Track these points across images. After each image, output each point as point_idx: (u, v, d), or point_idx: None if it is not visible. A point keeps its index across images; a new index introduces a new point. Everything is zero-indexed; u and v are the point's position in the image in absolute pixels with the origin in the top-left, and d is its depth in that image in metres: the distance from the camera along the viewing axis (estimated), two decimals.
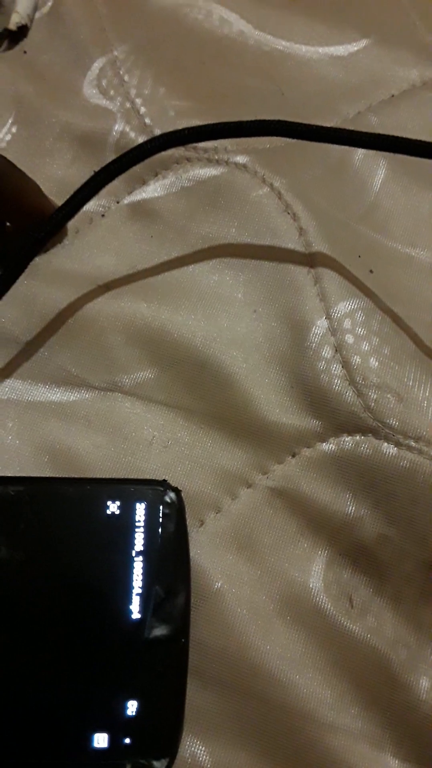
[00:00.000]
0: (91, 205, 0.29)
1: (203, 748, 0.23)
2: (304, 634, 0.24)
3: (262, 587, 0.24)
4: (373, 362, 0.26)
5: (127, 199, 0.30)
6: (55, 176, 0.30)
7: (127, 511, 0.23)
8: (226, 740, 0.23)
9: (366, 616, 0.24)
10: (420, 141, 0.25)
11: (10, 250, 0.26)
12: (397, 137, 0.25)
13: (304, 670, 0.23)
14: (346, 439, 0.25)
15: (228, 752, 0.23)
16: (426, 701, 0.23)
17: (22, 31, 0.33)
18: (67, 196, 0.25)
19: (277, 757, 0.23)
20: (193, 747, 0.23)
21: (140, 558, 0.23)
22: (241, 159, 0.29)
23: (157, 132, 0.30)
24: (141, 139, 0.30)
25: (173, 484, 0.24)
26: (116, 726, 0.22)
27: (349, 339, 0.26)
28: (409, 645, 0.24)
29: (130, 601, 0.22)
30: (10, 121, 0.31)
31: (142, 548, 0.23)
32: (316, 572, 0.24)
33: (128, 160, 0.24)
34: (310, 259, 0.28)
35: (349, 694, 0.23)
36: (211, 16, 0.34)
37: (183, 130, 0.25)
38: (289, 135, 0.25)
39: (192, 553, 0.24)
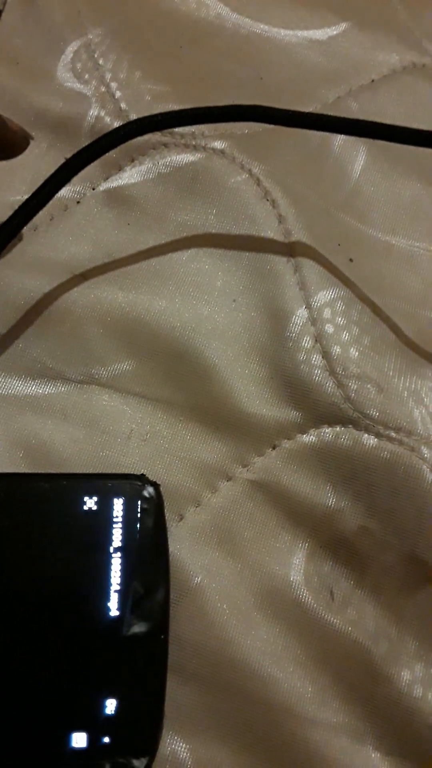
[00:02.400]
0: (65, 192, 0.28)
1: (184, 745, 0.22)
2: (284, 628, 0.24)
3: (242, 581, 0.24)
4: (353, 352, 0.25)
5: (103, 186, 0.29)
6: (29, 162, 0.29)
7: (105, 506, 0.23)
8: (206, 736, 0.23)
9: (347, 608, 0.24)
10: (399, 126, 0.24)
11: None
12: (375, 123, 0.25)
13: (285, 664, 0.23)
14: (327, 430, 0.25)
15: (209, 748, 0.22)
16: (407, 694, 0.23)
17: None
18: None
19: (259, 752, 0.22)
20: (173, 744, 0.22)
21: (118, 554, 0.22)
22: (218, 144, 0.29)
23: (133, 117, 0.30)
24: (117, 124, 0.29)
25: (152, 478, 0.24)
26: (95, 725, 0.21)
27: (329, 329, 0.26)
28: (391, 637, 0.23)
29: (108, 598, 0.22)
30: None
31: (120, 544, 0.22)
32: (296, 565, 0.24)
33: (101, 147, 0.24)
34: (290, 248, 0.27)
35: (330, 687, 0.23)
36: None
37: (157, 115, 0.24)
38: (266, 120, 0.25)
39: (171, 548, 0.23)
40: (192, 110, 0.24)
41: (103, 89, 0.30)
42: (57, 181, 0.24)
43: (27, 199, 0.24)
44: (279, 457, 0.25)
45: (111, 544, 0.22)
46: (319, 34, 0.33)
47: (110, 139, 0.24)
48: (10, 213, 0.25)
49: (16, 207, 0.25)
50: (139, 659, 0.22)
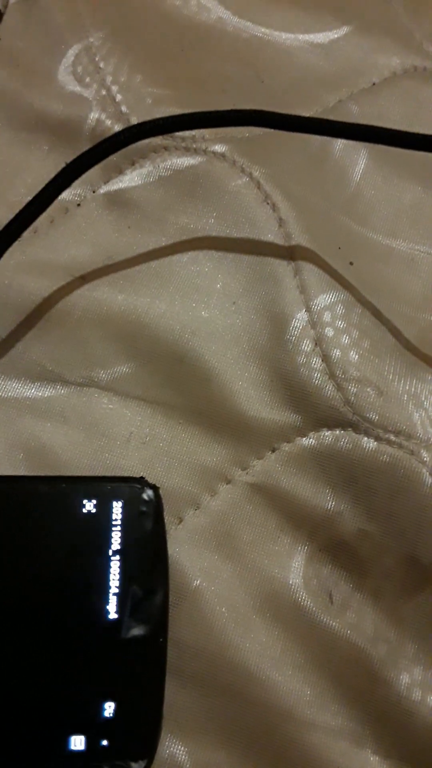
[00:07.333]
0: (66, 195, 0.28)
1: (182, 748, 0.23)
2: (283, 631, 0.24)
3: (241, 584, 0.24)
4: (353, 355, 0.25)
5: (104, 189, 0.29)
6: (30, 165, 0.29)
7: (104, 509, 0.23)
8: (205, 739, 0.23)
9: (346, 611, 0.24)
10: (398, 131, 0.24)
11: None
12: (375, 127, 0.25)
13: (284, 667, 0.23)
14: (326, 433, 0.25)
15: (207, 751, 0.23)
16: (406, 697, 0.23)
17: None
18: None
19: (257, 755, 0.22)
20: (172, 747, 0.23)
21: (117, 557, 0.22)
22: (219, 148, 0.29)
23: (134, 120, 0.30)
24: (117, 127, 0.30)
25: (151, 481, 0.24)
26: (93, 728, 0.21)
27: (329, 332, 0.26)
28: (389, 640, 0.24)
29: (107, 601, 0.22)
30: None
31: (119, 547, 0.23)
32: (295, 568, 0.24)
33: (102, 151, 0.24)
34: (290, 251, 0.27)
35: (329, 691, 0.23)
36: (189, 2, 0.33)
37: (158, 120, 0.24)
38: (266, 125, 0.25)
39: (170, 551, 0.23)
40: (193, 114, 0.24)
41: (103, 92, 0.30)
42: (58, 184, 0.24)
43: (28, 203, 0.24)
44: (278, 461, 0.25)
45: (110, 547, 0.23)
46: (321, 37, 0.33)
47: (111, 143, 0.24)
48: (10, 215, 0.25)
49: (17, 209, 0.25)
50: (138, 662, 0.22)
